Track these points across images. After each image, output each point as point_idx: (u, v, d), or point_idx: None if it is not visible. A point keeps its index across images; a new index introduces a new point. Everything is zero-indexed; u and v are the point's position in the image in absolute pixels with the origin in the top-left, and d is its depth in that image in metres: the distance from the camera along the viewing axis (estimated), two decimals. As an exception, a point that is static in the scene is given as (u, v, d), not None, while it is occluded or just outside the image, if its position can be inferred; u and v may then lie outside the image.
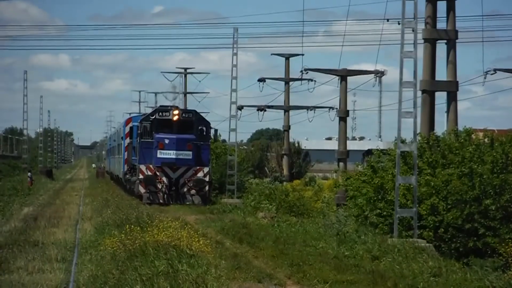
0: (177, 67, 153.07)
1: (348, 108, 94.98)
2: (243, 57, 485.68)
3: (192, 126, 73.50)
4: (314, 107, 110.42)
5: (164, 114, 73.06)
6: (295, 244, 36.06)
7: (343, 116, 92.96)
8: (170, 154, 71.13)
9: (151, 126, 72.90)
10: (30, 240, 38.74)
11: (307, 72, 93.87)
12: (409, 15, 43.27)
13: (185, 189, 71.92)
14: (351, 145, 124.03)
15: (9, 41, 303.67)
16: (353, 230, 42.06)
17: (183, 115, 73.74)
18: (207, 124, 77.73)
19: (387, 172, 46.90)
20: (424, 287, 24.08)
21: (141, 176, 71.56)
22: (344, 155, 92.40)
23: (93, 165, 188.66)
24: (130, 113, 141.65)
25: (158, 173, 71.57)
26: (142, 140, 73.22)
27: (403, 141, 45.78)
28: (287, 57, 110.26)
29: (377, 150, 54.55)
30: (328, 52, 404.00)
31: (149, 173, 71.40)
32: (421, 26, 62.39)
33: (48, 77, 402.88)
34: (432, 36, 66.42)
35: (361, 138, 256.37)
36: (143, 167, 71.81)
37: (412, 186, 42.75)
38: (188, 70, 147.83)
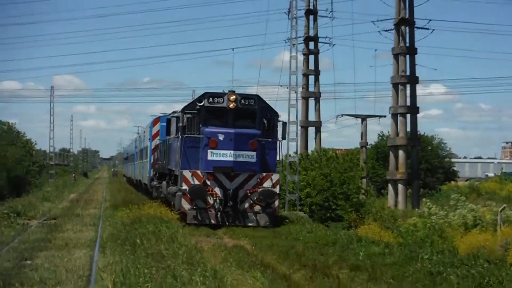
0: (160, 113, 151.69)
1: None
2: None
3: (255, 116, 29.92)
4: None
5: (216, 100, 29.67)
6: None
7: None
8: (226, 155, 28.84)
9: (198, 117, 29.67)
10: (74, 213, 38.39)
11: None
12: (293, 83, 43.47)
13: (247, 205, 29.02)
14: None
15: (61, 98, 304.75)
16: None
17: (242, 101, 29.69)
18: (274, 114, 30.80)
19: (283, 173, 47.27)
20: (303, 239, 23.92)
21: (184, 187, 28.90)
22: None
23: (112, 169, 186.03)
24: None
25: (208, 182, 28.83)
26: (186, 136, 29.56)
27: (291, 156, 46.24)
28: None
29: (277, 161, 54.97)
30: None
31: (197, 182, 28.86)
32: (300, 89, 62.73)
33: (83, 118, 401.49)
34: (306, 96, 67.00)
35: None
36: (187, 174, 28.90)
37: (295, 181, 43.05)
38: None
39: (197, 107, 29.13)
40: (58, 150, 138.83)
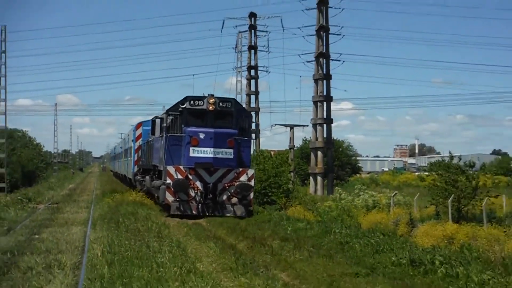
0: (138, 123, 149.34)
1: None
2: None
3: (232, 118, 25.36)
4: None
5: (197, 103, 25.14)
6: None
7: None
8: (207, 152, 24.39)
9: (181, 118, 25.15)
10: (72, 199, 37.90)
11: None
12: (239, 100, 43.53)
13: (225, 197, 24.65)
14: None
15: (63, 112, 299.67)
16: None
17: (221, 104, 25.22)
18: (248, 116, 27.21)
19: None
20: (246, 218, 23.87)
21: (168, 181, 24.23)
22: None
23: (101, 166, 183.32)
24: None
25: (190, 177, 24.32)
26: (170, 135, 25.01)
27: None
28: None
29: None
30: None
31: (179, 176, 24.24)
32: (243, 105, 62.70)
33: (80, 127, 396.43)
34: (249, 110, 66.77)
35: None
36: (171, 169, 24.29)
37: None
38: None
39: (180, 109, 25.18)
40: (60, 151, 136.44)
